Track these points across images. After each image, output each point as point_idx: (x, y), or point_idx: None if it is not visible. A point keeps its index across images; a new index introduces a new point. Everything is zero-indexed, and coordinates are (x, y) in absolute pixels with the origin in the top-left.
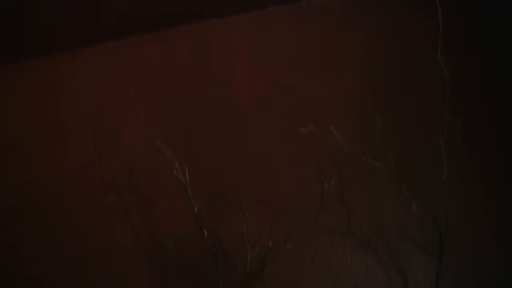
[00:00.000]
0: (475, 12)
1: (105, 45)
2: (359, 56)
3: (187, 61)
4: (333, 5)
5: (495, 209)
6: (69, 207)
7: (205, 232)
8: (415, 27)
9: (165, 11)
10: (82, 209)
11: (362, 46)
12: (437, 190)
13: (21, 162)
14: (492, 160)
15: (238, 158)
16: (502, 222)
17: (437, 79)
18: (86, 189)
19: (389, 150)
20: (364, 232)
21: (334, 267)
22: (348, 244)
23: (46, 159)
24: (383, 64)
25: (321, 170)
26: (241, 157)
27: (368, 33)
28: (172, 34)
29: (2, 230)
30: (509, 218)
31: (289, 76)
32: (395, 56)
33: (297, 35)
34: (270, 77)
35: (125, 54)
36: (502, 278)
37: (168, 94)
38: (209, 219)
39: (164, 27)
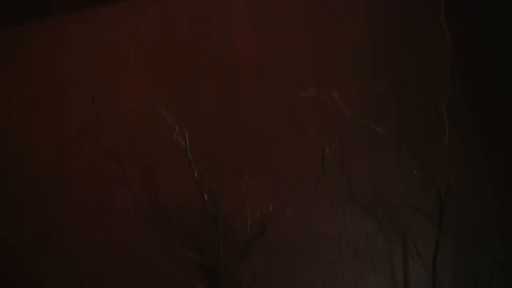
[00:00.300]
0: None
1: (105, 9)
2: (360, 18)
3: (187, 25)
4: None
5: (496, 174)
6: (69, 173)
7: (205, 197)
8: None
9: None
10: (82, 175)
11: (363, 8)
12: (438, 155)
13: (20, 125)
14: (494, 125)
15: (238, 122)
16: (503, 188)
17: (439, 44)
18: (86, 155)
19: (390, 115)
20: (365, 197)
21: (334, 231)
22: (348, 208)
23: (45, 123)
24: (385, 27)
25: (322, 134)
26: (241, 121)
27: None
28: None
29: (2, 192)
30: (510, 184)
31: (289, 40)
32: (397, 20)
33: None
34: (270, 41)
35: (126, 18)
36: (503, 243)
37: (168, 58)
38: (209, 184)
39: None
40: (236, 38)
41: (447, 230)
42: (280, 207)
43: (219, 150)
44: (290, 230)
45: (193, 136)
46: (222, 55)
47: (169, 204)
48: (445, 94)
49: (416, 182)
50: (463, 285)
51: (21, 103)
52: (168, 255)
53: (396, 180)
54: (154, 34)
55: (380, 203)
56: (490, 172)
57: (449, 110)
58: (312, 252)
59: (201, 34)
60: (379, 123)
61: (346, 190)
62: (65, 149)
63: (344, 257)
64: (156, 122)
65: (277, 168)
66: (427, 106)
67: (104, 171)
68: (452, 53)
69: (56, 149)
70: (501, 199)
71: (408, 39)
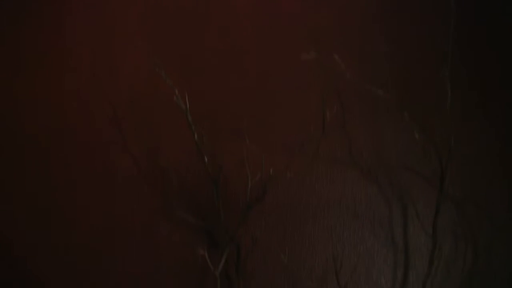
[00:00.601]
0: None
1: None
2: None
3: None
4: None
5: (497, 138)
6: (68, 137)
7: (206, 159)
8: None
9: None
10: (81, 140)
11: None
12: (440, 119)
13: (19, 88)
14: (496, 91)
15: (239, 84)
16: (504, 152)
17: (443, 8)
18: (85, 119)
19: (392, 78)
20: (365, 161)
21: (334, 195)
22: (348, 172)
23: (45, 87)
24: None
25: (323, 98)
26: (241, 84)
27: None
28: None
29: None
30: (511, 149)
31: (290, 2)
32: None
33: None
34: (271, 3)
35: None
36: (502, 207)
37: (168, 21)
38: (209, 147)
39: None
40: (237, 1)
41: (447, 194)
42: (280, 171)
43: (219, 114)
44: (290, 193)
45: (193, 99)
46: (223, 18)
47: (169, 168)
48: (448, 59)
49: (417, 146)
50: (462, 248)
51: (20, 66)
52: (168, 219)
53: (397, 144)
54: None
55: (380, 167)
56: (491, 137)
57: (451, 75)
58: (312, 215)
59: None
60: (380, 87)
61: (347, 154)
62: (65, 113)
63: (344, 220)
64: (156, 85)
65: (277, 132)
66: (430, 71)
67: (104, 135)
68: (456, 17)
69: (55, 114)
70: (501, 163)
71: (411, 2)
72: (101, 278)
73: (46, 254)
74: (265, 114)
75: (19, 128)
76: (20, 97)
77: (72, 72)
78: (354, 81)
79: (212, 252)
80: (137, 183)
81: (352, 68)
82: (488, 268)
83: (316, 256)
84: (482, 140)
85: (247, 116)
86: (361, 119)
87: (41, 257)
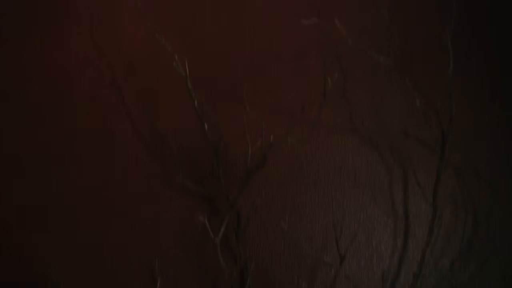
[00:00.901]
0: None
1: None
2: None
3: None
4: None
5: (499, 106)
6: (68, 102)
7: (206, 126)
8: None
9: None
10: (81, 105)
11: None
12: (442, 86)
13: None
14: (499, 58)
15: (239, 50)
16: (506, 120)
17: None
18: (85, 85)
19: (394, 44)
20: (366, 128)
21: (335, 162)
22: (349, 139)
23: (44, 51)
24: None
25: (324, 64)
26: (242, 49)
27: None
28: None
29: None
30: None
31: None
32: None
33: None
34: None
35: None
36: (503, 175)
37: None
38: (209, 113)
39: None
40: None
41: (448, 162)
42: (281, 138)
43: (219, 80)
44: (290, 160)
45: (193, 65)
46: None
47: (169, 134)
48: (450, 26)
49: (419, 114)
50: (463, 216)
51: (20, 30)
52: (168, 185)
53: (398, 111)
54: None
55: (381, 134)
56: (493, 105)
57: (454, 42)
58: (312, 182)
59: None
60: (382, 53)
61: (348, 120)
62: (64, 78)
63: (344, 187)
64: (156, 51)
65: (278, 99)
66: (432, 37)
67: (104, 101)
68: None
69: (54, 78)
70: (503, 132)
71: None
72: (100, 240)
73: (47, 216)
74: (266, 80)
75: (17, 91)
76: (17, 60)
77: (72, 36)
78: (355, 47)
79: (212, 219)
80: (136, 149)
81: (354, 34)
82: (488, 236)
83: (316, 223)
84: (484, 108)
85: (247, 83)
86: (362, 86)
87: (41, 219)
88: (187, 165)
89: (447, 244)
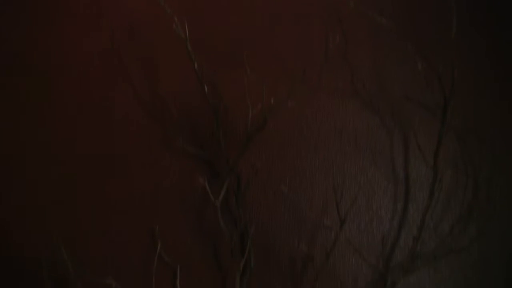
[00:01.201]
0: None
1: None
2: None
3: None
4: None
5: (502, 70)
6: (68, 66)
7: (206, 89)
8: None
9: None
10: (81, 69)
11: None
12: (444, 49)
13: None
14: (502, 20)
15: (240, 13)
16: (508, 84)
17: None
18: (84, 49)
19: (396, 7)
20: (367, 91)
21: (335, 125)
22: (350, 103)
23: (44, 16)
24: None
25: (326, 26)
26: (242, 11)
27: None
28: None
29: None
30: None
31: None
32: None
33: None
34: None
35: None
36: (504, 140)
37: None
38: (209, 76)
39: None
40: None
41: (449, 125)
42: (281, 101)
43: (219, 42)
44: (291, 123)
45: (193, 27)
46: None
47: (169, 98)
48: None
49: (420, 77)
50: (463, 180)
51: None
52: (168, 149)
53: (399, 74)
54: None
55: (383, 97)
56: (496, 68)
57: (457, 4)
58: (313, 145)
59: None
60: (384, 15)
61: (349, 84)
62: (64, 42)
63: (345, 151)
64: (155, 13)
65: (278, 61)
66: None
67: (103, 65)
68: None
69: (54, 43)
70: (504, 96)
71: None
72: (100, 205)
73: (47, 182)
74: (266, 43)
75: (16, 56)
76: (17, 27)
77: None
78: (357, 10)
79: (212, 183)
80: (136, 113)
81: None
82: (488, 200)
83: (317, 187)
84: (487, 72)
85: (248, 45)
86: (364, 49)
87: (41, 186)
88: (187, 129)
89: (447, 208)
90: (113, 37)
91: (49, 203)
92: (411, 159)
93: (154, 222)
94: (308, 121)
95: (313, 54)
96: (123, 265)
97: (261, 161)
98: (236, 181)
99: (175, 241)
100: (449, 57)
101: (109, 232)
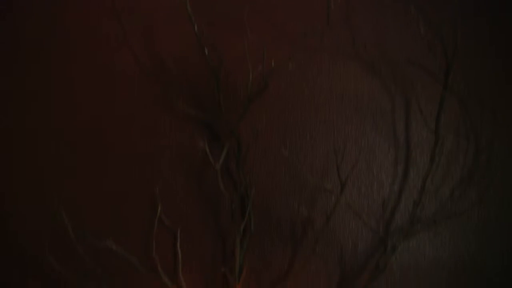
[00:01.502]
0: None
1: None
2: None
3: None
4: None
5: (505, 35)
6: (67, 30)
7: (206, 51)
8: None
9: None
10: (80, 32)
11: None
12: (447, 12)
13: None
14: None
15: None
16: (511, 50)
17: None
18: (84, 12)
19: None
20: (369, 55)
21: (336, 88)
22: (352, 66)
23: None
24: None
25: None
26: None
27: None
28: None
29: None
30: None
31: None
32: None
33: None
34: None
35: None
36: (506, 105)
37: None
38: (210, 38)
39: None
40: None
41: (451, 90)
42: (282, 63)
43: (219, 4)
44: (292, 86)
45: None
46: None
47: (169, 60)
48: None
49: (423, 41)
50: (464, 145)
51: None
52: (168, 112)
53: (402, 38)
54: None
55: (384, 61)
56: (499, 34)
57: None
58: (313, 108)
59: None
60: None
61: (350, 47)
62: (63, 8)
63: (346, 114)
64: None
65: (279, 23)
66: None
67: (103, 27)
68: None
69: (54, 8)
70: (507, 60)
71: None
72: (100, 169)
73: (46, 146)
74: (267, 5)
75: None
76: None
77: None
78: None
79: (213, 146)
80: (136, 75)
81: None
82: (489, 165)
83: (317, 150)
84: (490, 37)
85: (248, 7)
86: (366, 11)
87: (41, 150)
88: (187, 92)
89: (447, 173)
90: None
91: (49, 167)
92: (413, 123)
93: (154, 186)
94: (309, 84)
95: (314, 16)
96: (124, 229)
97: (261, 124)
98: (236, 144)
99: (175, 205)
100: (452, 20)
101: (109, 196)
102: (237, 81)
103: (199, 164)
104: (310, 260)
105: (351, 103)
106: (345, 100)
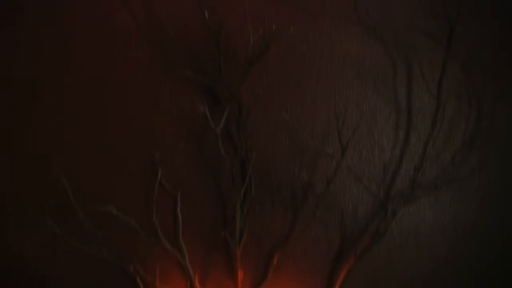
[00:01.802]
0: None
1: None
2: None
3: None
4: None
5: (506, 0)
6: None
7: (206, 14)
8: None
9: None
10: None
11: None
12: None
13: None
14: None
15: None
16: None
17: None
18: None
19: None
20: (371, 18)
21: (338, 52)
22: (353, 30)
23: None
24: None
25: None
26: None
27: None
28: None
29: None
30: None
31: None
32: None
33: None
34: None
35: None
36: (509, 72)
37: None
38: (210, 1)
39: None
40: None
41: (454, 55)
42: (283, 27)
43: None
44: (293, 49)
45: None
46: None
47: (169, 23)
48: None
49: (426, 5)
50: (466, 110)
51: None
52: (168, 75)
53: (404, 2)
54: None
55: (387, 24)
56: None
57: None
58: (315, 72)
59: None
60: None
61: (352, 11)
62: None
63: (347, 79)
64: None
65: None
66: None
67: None
68: None
69: None
70: (510, 25)
71: None
72: (100, 133)
73: (46, 109)
74: None
75: None
76: None
77: None
78: None
79: (213, 110)
80: (136, 40)
81: None
82: (490, 131)
83: (318, 114)
84: (492, 0)
85: None
86: None
87: (40, 113)
88: (187, 55)
89: (449, 138)
90: None
91: (48, 132)
92: (414, 88)
93: (155, 150)
94: (310, 48)
95: None
96: (124, 193)
97: (262, 88)
98: (237, 108)
99: (175, 169)
100: None
101: (109, 160)
102: (238, 44)
103: (199, 128)
104: (311, 224)
105: (352, 67)
106: (346, 64)
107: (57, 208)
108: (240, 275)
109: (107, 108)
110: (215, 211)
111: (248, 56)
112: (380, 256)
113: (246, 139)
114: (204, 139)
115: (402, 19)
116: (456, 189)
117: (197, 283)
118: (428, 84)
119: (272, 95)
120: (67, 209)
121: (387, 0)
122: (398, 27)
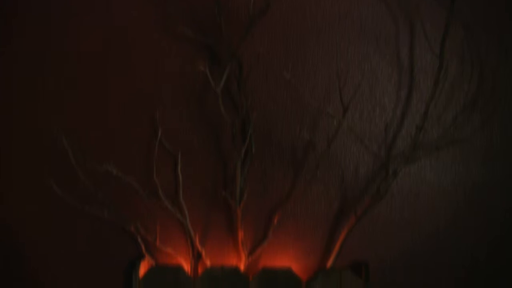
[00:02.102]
0: None
1: None
2: None
3: None
4: None
5: None
6: None
7: None
8: None
9: None
10: None
11: None
12: None
13: None
14: None
15: None
16: None
17: None
18: None
19: None
20: None
21: (340, 10)
22: None
23: None
24: None
25: None
26: None
27: None
28: None
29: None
30: None
31: None
32: None
33: None
34: None
35: None
36: (510, 31)
37: None
38: None
39: None
40: None
41: (457, 15)
42: None
43: None
44: (294, 8)
45: None
46: None
47: None
48: None
49: None
50: (469, 71)
51: None
52: (168, 34)
53: None
54: None
55: None
56: None
57: None
58: (316, 31)
59: None
60: None
61: None
62: None
63: (349, 38)
64: None
65: None
66: None
67: None
68: None
69: None
70: None
71: None
72: (101, 91)
73: (47, 70)
74: None
75: None
76: None
77: None
78: None
79: (213, 69)
80: (138, 8)
81: None
82: (493, 92)
83: (320, 73)
84: None
85: None
86: None
87: (41, 74)
88: (187, 13)
89: (451, 98)
90: None
91: (49, 92)
92: (417, 47)
93: (155, 109)
94: (312, 5)
95: None
96: (124, 152)
97: (263, 46)
98: (238, 67)
99: (175, 128)
100: None
101: (109, 119)
102: (239, 2)
103: (199, 87)
104: (311, 184)
105: (354, 25)
106: (348, 22)
107: (57, 167)
108: (241, 234)
109: (107, 68)
110: (215, 170)
111: (249, 14)
112: (381, 216)
113: (247, 98)
114: (204, 98)
115: None
116: (458, 150)
117: (197, 243)
118: (431, 44)
119: (273, 54)
120: (68, 170)
121: None
122: None
